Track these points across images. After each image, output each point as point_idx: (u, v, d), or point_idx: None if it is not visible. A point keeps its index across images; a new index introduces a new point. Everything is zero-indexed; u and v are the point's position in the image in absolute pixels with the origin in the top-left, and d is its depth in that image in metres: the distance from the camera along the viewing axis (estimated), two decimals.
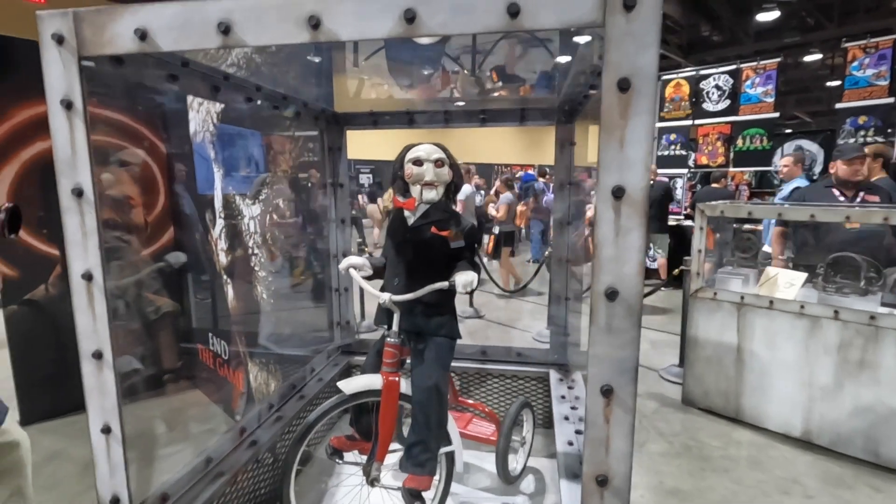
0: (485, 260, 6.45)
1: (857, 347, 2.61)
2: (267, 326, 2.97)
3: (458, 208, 1.66)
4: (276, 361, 2.86)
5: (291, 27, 0.85)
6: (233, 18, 0.86)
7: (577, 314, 2.33)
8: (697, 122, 8.26)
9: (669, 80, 8.48)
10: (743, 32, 10.50)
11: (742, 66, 7.71)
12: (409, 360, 1.59)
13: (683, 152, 8.47)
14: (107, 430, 1.03)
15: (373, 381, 1.51)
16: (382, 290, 1.54)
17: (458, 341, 1.62)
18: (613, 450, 0.85)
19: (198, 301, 3.43)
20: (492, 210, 7.13)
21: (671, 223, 7.12)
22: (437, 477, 1.53)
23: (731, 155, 7.95)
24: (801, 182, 5.13)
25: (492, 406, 2.20)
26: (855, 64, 6.32)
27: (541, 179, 9.27)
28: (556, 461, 1.64)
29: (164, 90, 3.02)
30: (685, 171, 8.39)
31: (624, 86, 0.76)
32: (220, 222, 2.78)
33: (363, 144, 11.98)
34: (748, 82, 7.62)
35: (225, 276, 2.84)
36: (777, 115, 7.68)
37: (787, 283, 3.06)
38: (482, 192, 10.50)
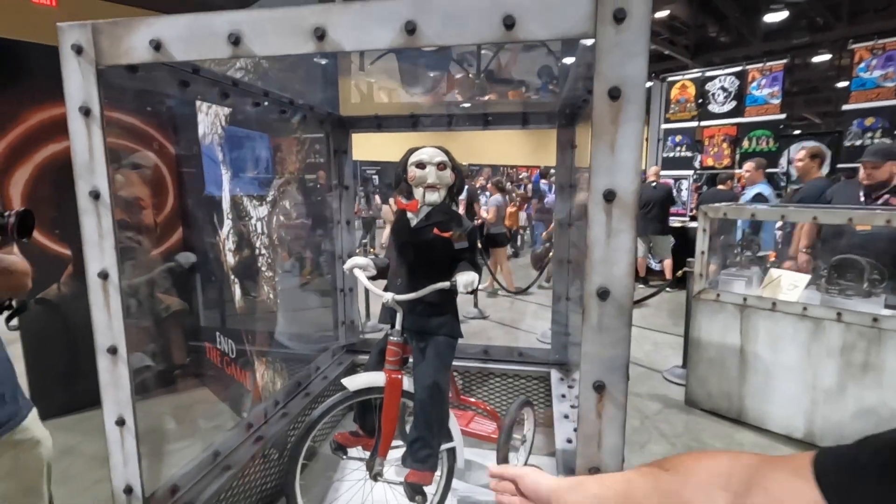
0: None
1: (860, 350, 2.61)
2: (273, 326, 3.02)
3: (490, 216, 1.70)
4: (281, 360, 2.91)
5: (297, 38, 0.89)
6: (242, 30, 0.90)
7: (578, 314, 2.36)
8: (703, 123, 8.24)
9: (675, 82, 8.48)
10: (750, 33, 10.45)
11: (748, 67, 7.70)
12: (411, 359, 1.63)
13: (689, 154, 8.46)
14: (121, 423, 1.08)
15: (376, 378, 1.54)
16: (386, 289, 1.58)
17: (461, 341, 1.66)
18: (605, 444, 0.88)
19: (206, 300, 3.49)
20: (483, 213, 7.21)
21: (676, 225, 7.11)
22: (438, 472, 1.56)
23: (737, 156, 7.92)
24: (763, 188, 5.20)
25: (493, 405, 2.23)
26: (862, 65, 6.29)
27: (543, 181, 9.30)
28: (556, 458, 1.66)
29: (174, 95, 3.09)
30: (691, 172, 8.37)
31: (614, 94, 0.79)
32: (227, 223, 2.84)
33: (369, 146, 12.06)
34: (754, 84, 7.60)
35: (232, 276, 2.89)
36: (783, 116, 7.65)
37: (791, 285, 3.07)
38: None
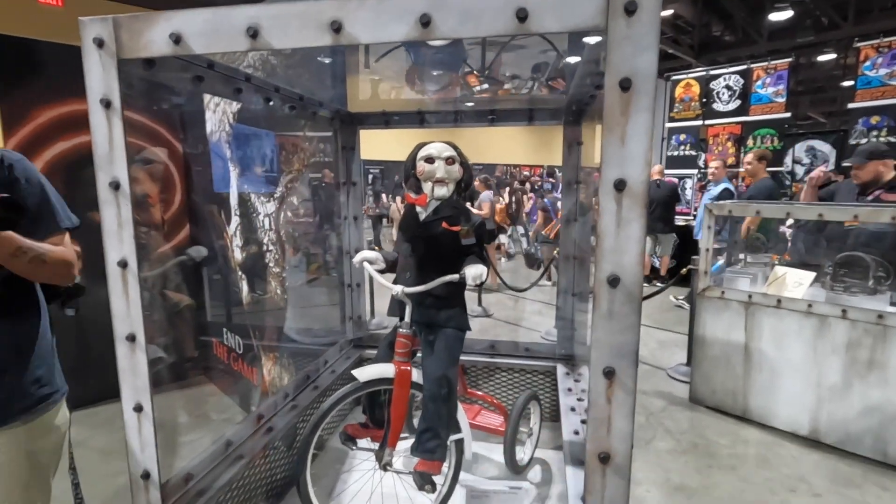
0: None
1: (865, 347, 2.61)
2: (282, 321, 3.04)
3: (485, 212, 1.71)
4: (290, 355, 2.94)
5: (315, 31, 0.91)
6: (260, 24, 0.93)
7: (583, 312, 2.38)
8: (708, 122, 8.22)
9: (679, 81, 8.45)
10: (756, 32, 10.43)
11: (752, 66, 7.67)
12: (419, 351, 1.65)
13: (693, 153, 8.44)
14: (139, 409, 1.10)
15: (386, 369, 1.57)
16: (395, 282, 1.60)
17: (468, 336, 1.68)
18: (615, 428, 0.90)
19: (214, 295, 3.52)
20: (476, 209, 7.28)
21: (680, 223, 7.10)
22: (446, 463, 1.58)
23: (742, 155, 7.89)
24: (728, 184, 5.27)
25: (500, 398, 2.25)
26: (867, 64, 6.26)
27: (550, 179, 9.33)
28: (563, 449, 1.68)
29: (185, 91, 3.11)
30: (695, 171, 8.35)
31: (625, 85, 0.81)
32: (235, 220, 2.87)
33: (371, 144, 12.10)
34: (759, 82, 7.58)
35: (240, 272, 2.92)
36: (788, 115, 7.62)
37: (796, 282, 3.07)
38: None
